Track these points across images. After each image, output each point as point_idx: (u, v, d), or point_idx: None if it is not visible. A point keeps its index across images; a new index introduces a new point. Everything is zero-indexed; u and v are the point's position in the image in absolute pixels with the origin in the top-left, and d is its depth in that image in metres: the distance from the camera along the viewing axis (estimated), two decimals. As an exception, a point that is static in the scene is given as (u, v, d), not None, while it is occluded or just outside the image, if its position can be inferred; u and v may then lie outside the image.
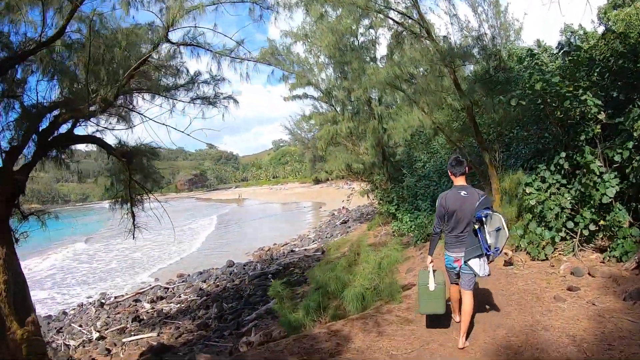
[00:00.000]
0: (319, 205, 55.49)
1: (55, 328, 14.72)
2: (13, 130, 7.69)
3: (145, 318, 14.81)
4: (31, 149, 7.76)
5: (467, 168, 5.24)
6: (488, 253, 4.84)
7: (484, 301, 6.25)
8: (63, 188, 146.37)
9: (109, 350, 11.84)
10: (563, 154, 7.49)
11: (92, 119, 8.73)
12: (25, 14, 7.10)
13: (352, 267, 8.53)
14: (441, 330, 5.74)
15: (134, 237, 10.19)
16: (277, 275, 17.44)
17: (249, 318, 12.46)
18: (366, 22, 16.10)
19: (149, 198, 10.23)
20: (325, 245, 21.79)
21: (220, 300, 15.45)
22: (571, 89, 7.17)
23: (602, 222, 7.01)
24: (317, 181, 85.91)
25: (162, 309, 15.53)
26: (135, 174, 9.64)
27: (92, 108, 7.49)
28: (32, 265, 29.78)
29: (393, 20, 9.80)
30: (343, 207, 37.75)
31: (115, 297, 18.42)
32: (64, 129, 8.14)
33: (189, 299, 16.54)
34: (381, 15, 10.05)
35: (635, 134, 6.55)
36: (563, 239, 7.54)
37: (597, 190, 6.79)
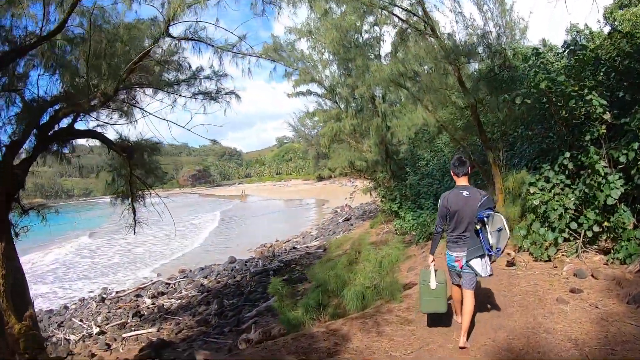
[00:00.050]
0: (322, 202, 55.45)
1: (56, 322, 14.73)
2: (14, 124, 7.68)
3: (145, 313, 14.82)
4: (32, 144, 7.73)
5: (469, 168, 5.22)
6: (490, 253, 4.84)
7: (485, 302, 6.20)
8: (67, 183, 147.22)
9: (108, 345, 11.84)
10: (567, 154, 7.41)
11: (93, 114, 8.71)
12: (27, 7, 7.06)
13: (353, 265, 8.46)
14: (441, 331, 5.67)
15: (134, 232, 10.17)
16: (278, 272, 17.45)
17: (249, 315, 12.43)
18: (371, 19, 16.02)
19: (150, 193, 10.20)
20: (327, 242, 21.76)
21: (221, 296, 15.44)
22: (576, 88, 7.08)
23: (606, 224, 6.92)
24: (321, 178, 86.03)
25: (162, 305, 15.52)
26: (136, 169, 9.61)
27: (93, 102, 7.44)
28: (35, 260, 29.91)
29: (398, 17, 9.71)
30: (346, 205, 37.72)
31: (117, 292, 18.44)
32: (64, 123, 8.12)
33: (189, 295, 16.53)
34: (386, 12, 9.98)
35: (641, 135, 6.48)
36: (566, 240, 7.46)
37: (602, 191, 6.69)
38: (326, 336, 5.84)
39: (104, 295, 17.90)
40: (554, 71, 8.13)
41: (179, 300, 16.06)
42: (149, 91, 9.03)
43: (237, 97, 9.32)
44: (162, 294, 17.35)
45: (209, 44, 7.53)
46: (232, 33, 7.51)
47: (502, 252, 4.98)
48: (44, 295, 20.23)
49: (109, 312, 15.36)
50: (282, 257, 21.01)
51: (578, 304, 5.66)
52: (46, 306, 17.83)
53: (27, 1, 6.97)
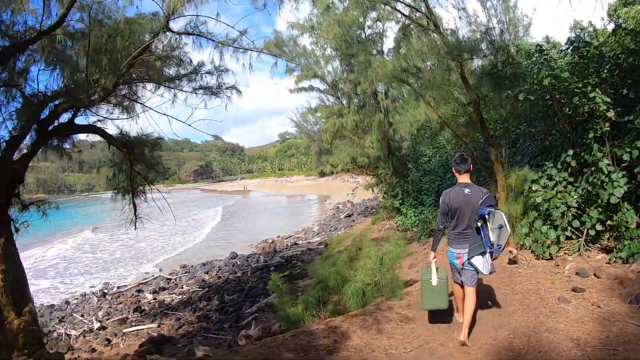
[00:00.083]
0: (324, 198, 55.45)
1: (58, 317, 14.76)
2: (15, 119, 7.65)
3: (146, 309, 14.83)
4: (33, 139, 7.70)
5: (471, 165, 5.20)
6: (491, 250, 4.85)
7: (486, 300, 6.17)
8: (69, 178, 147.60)
9: (109, 341, 11.85)
10: (570, 152, 7.35)
11: (94, 109, 8.68)
12: (27, 2, 7.02)
13: (354, 261, 8.44)
14: (442, 329, 5.65)
15: (135, 227, 10.16)
16: (279, 268, 17.43)
17: (249, 311, 12.42)
18: (373, 14, 15.96)
19: (151, 189, 10.17)
20: (328, 238, 21.74)
21: (221, 292, 15.45)
22: (580, 85, 7.01)
23: (609, 222, 6.86)
24: (323, 174, 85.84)
25: (163, 300, 15.55)
26: (137, 165, 9.57)
27: (93, 97, 7.40)
28: (37, 255, 30.00)
29: (401, 12, 9.65)
30: (348, 201, 37.69)
31: (118, 287, 18.48)
32: (65, 118, 8.08)
33: (190, 290, 16.55)
34: (389, 8, 9.91)
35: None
36: (569, 238, 7.41)
37: (605, 189, 6.63)
38: (326, 333, 5.81)
39: (106, 291, 17.94)
40: (558, 68, 8.06)
41: (180, 296, 16.08)
42: (149, 86, 8.98)
43: (238, 91, 9.27)
44: (164, 289, 17.38)
45: (210, 39, 7.47)
46: (232, 27, 7.44)
47: (502, 250, 5.01)
48: (45, 290, 20.30)
49: (110, 307, 15.39)
50: (283, 252, 21.00)
51: (580, 303, 5.62)
52: (47, 301, 17.87)
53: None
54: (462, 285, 5.42)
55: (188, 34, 7.33)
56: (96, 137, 9.32)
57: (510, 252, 7.68)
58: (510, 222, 8.24)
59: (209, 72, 9.20)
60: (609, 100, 6.86)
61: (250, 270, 18.06)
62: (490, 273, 5.01)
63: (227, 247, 25.56)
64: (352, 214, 31.50)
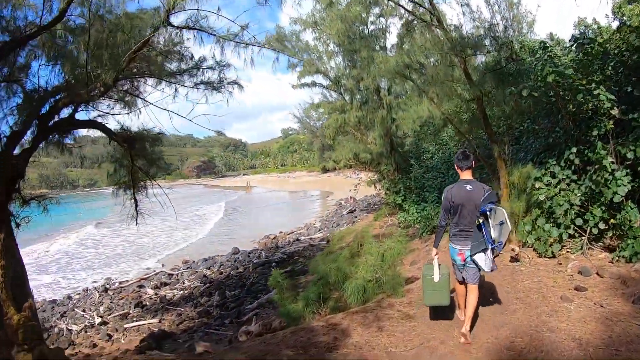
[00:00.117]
0: (327, 194, 55.46)
1: (59, 312, 14.80)
2: (16, 115, 7.64)
3: (148, 304, 14.85)
4: (34, 134, 7.68)
5: (473, 162, 5.19)
6: (492, 247, 4.84)
7: (488, 298, 6.14)
8: (72, 173, 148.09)
9: (110, 336, 11.88)
10: (574, 149, 7.28)
11: (95, 104, 8.65)
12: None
13: (355, 258, 8.41)
14: (443, 327, 5.61)
15: (137, 223, 10.13)
16: (281, 264, 17.44)
17: (250, 307, 12.43)
18: (376, 10, 15.92)
19: (152, 184, 10.14)
20: (330, 234, 21.72)
21: (223, 287, 15.46)
22: (584, 82, 6.93)
23: (612, 221, 6.80)
24: (325, 170, 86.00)
25: (165, 295, 15.55)
26: (138, 160, 9.54)
27: (94, 92, 7.36)
28: (39, 250, 30.09)
29: (404, 8, 9.57)
30: (350, 197, 37.65)
31: (120, 283, 18.50)
32: (65, 113, 8.06)
33: (192, 286, 16.56)
34: (392, 3, 9.84)
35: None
36: (571, 236, 7.35)
37: (609, 187, 6.57)
38: (326, 330, 5.78)
39: (107, 286, 17.95)
40: (562, 65, 7.98)
41: (182, 291, 16.10)
42: (150, 81, 8.93)
43: (240, 86, 9.20)
44: (165, 284, 17.40)
45: (211, 33, 7.39)
46: (233, 22, 7.37)
47: (503, 246, 5.02)
48: (47, 285, 20.35)
49: (111, 302, 15.42)
50: (285, 248, 21.00)
51: (582, 303, 5.56)
52: (50, 296, 17.92)
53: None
54: (462, 283, 5.43)
55: (189, 28, 7.27)
56: (98, 133, 9.29)
57: (513, 250, 7.64)
58: (513, 220, 8.21)
59: (210, 68, 9.14)
60: (613, 97, 6.79)
61: (251, 266, 18.08)
62: (491, 270, 4.99)
63: (229, 242, 25.58)
64: (355, 210, 31.47)
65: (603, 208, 6.84)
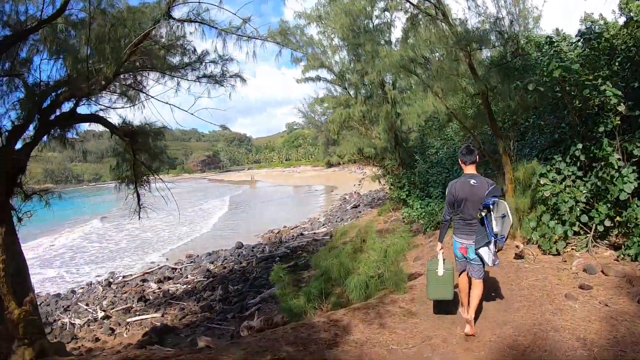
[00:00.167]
0: (331, 188, 55.45)
1: (63, 306, 14.83)
2: (19, 109, 7.61)
3: (151, 298, 14.87)
4: (36, 128, 7.65)
5: (477, 157, 5.18)
6: (495, 240, 4.86)
7: (492, 295, 6.11)
8: (77, 168, 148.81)
9: (112, 330, 11.90)
10: (580, 145, 7.19)
11: (96, 98, 8.62)
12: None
13: (358, 253, 8.34)
14: (445, 325, 5.56)
15: (139, 217, 10.10)
16: (284, 259, 17.41)
17: (253, 301, 12.41)
18: (381, 4, 15.79)
19: (155, 179, 10.11)
20: (334, 229, 21.68)
21: (226, 282, 15.45)
22: (591, 77, 6.83)
23: (618, 219, 6.71)
24: (330, 165, 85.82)
25: (168, 290, 15.56)
26: (140, 154, 9.50)
27: (94, 86, 7.32)
28: (45, 244, 30.22)
29: (409, 2, 9.49)
30: (355, 192, 37.59)
31: (124, 277, 18.53)
32: (67, 107, 8.02)
33: (195, 280, 16.56)
34: (397, -3, 9.76)
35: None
36: (576, 233, 7.27)
37: (615, 185, 6.48)
38: (327, 327, 5.74)
39: (111, 280, 18.00)
40: (568, 60, 7.88)
41: (185, 286, 16.10)
42: (152, 75, 8.88)
43: (243, 80, 9.11)
44: (168, 278, 17.42)
45: (212, 26, 7.32)
46: (235, 14, 7.29)
47: (505, 239, 5.02)
48: (52, 279, 20.44)
49: (114, 296, 15.45)
50: (289, 243, 20.97)
51: (587, 301, 5.49)
52: (54, 290, 17.99)
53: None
54: (461, 273, 5.47)
55: (190, 21, 7.20)
56: (101, 127, 9.25)
57: (517, 246, 7.58)
58: (518, 216, 8.14)
59: (213, 61, 9.07)
60: (619, 93, 6.68)
61: (255, 260, 18.06)
62: (494, 264, 4.99)
63: (233, 237, 25.57)
64: (359, 205, 31.40)
65: (609, 205, 6.75)
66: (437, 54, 10.46)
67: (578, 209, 7.06)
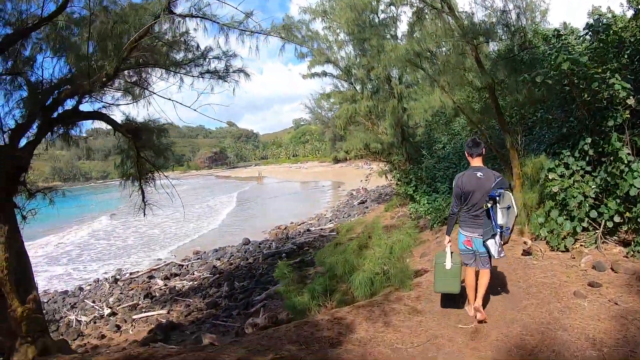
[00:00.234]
0: (338, 184, 55.35)
1: (70, 304, 14.91)
2: (22, 108, 7.61)
3: (157, 295, 14.90)
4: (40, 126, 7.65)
5: (483, 149, 5.20)
6: (501, 231, 4.89)
7: (500, 292, 6.02)
8: (84, 166, 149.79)
9: (118, 327, 11.94)
10: (588, 140, 7.04)
11: (100, 95, 8.60)
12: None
13: (363, 250, 8.27)
14: (451, 324, 5.45)
15: (144, 214, 10.10)
16: (291, 255, 17.39)
17: (258, 298, 12.39)
18: (387, -2, 15.63)
19: (160, 176, 10.09)
20: (340, 225, 21.62)
21: (232, 278, 15.45)
22: (599, 70, 6.68)
23: (627, 214, 6.55)
24: (337, 160, 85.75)
25: (174, 286, 15.59)
26: (145, 151, 9.47)
27: (96, 83, 7.28)
28: (53, 241, 30.42)
29: (414, -5, 9.38)
30: (362, 187, 37.50)
31: (131, 274, 18.60)
32: (69, 105, 8.01)
33: (201, 277, 16.59)
34: (403, -9, 9.65)
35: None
36: (585, 229, 7.12)
37: (624, 180, 6.33)
38: (330, 325, 5.65)
39: (118, 277, 18.07)
40: (577, 52, 7.72)
41: (191, 282, 16.13)
42: (155, 71, 8.85)
43: (246, 75, 9.05)
44: (175, 275, 17.46)
45: (214, 21, 7.25)
46: (236, 8, 7.20)
47: (511, 231, 5.09)
48: (59, 277, 20.57)
49: (121, 293, 15.52)
50: (295, 239, 20.94)
51: (596, 299, 5.36)
52: (61, 287, 18.10)
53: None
54: (467, 265, 5.50)
55: (191, 16, 7.14)
56: (106, 125, 9.23)
57: (525, 243, 7.46)
58: (526, 212, 8.02)
59: (217, 57, 9.02)
60: (629, 86, 6.52)
61: (261, 256, 18.06)
62: (499, 256, 4.99)
63: (240, 233, 25.62)
64: (366, 200, 31.32)
65: (618, 201, 6.60)
66: (444, 48, 10.34)
67: (587, 204, 6.92)
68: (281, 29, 8.29)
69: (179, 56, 8.90)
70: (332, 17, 18.01)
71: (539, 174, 7.96)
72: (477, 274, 5.43)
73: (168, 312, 12.73)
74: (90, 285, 17.72)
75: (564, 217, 7.21)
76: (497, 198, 4.82)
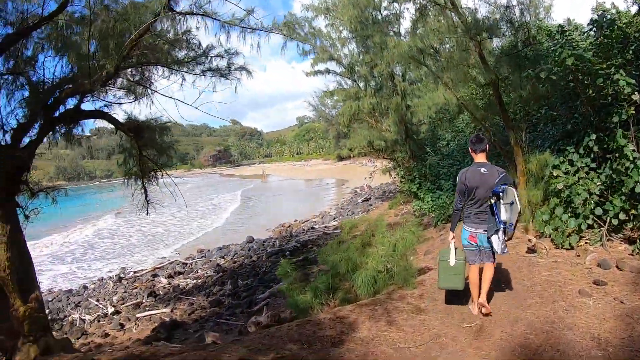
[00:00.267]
0: (342, 182, 55.23)
1: (74, 302, 14.94)
2: (24, 107, 7.60)
3: (161, 293, 14.93)
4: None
5: (487, 145, 5.22)
6: (504, 227, 4.89)
7: (504, 290, 5.99)
8: (89, 165, 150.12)
9: (122, 325, 11.95)
10: (593, 136, 6.97)
11: (101, 94, 8.59)
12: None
13: (366, 248, 8.22)
14: (454, 323, 5.41)
15: (147, 212, 10.10)
16: (294, 253, 17.36)
17: (262, 296, 12.37)
18: (390, -5, 15.55)
19: (162, 174, 10.08)
20: (343, 223, 21.59)
21: (235, 276, 15.45)
22: (604, 66, 6.60)
23: (632, 212, 6.48)
24: (341, 158, 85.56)
25: (178, 285, 15.62)
26: (147, 150, 9.46)
27: (96, 82, 7.26)
28: (58, 240, 30.50)
29: (417, -9, 9.32)
30: (366, 185, 37.42)
31: (135, 272, 18.63)
32: (71, 104, 7.99)
33: (205, 275, 16.59)
34: (405, -13, 9.59)
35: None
36: (590, 227, 7.06)
37: (630, 177, 6.26)
38: (332, 324, 5.62)
39: (122, 275, 18.11)
40: (581, 48, 7.65)
41: (195, 280, 16.14)
42: (157, 70, 8.83)
43: (248, 72, 9.00)
44: (179, 273, 17.48)
45: (215, 19, 7.21)
46: (237, 5, 7.15)
47: (515, 227, 5.09)
48: (64, 275, 20.64)
49: (125, 291, 15.54)
50: (299, 237, 20.91)
51: (602, 298, 5.30)
52: (66, 286, 18.15)
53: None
54: (472, 266, 5.49)
55: (192, 13, 7.09)
56: (107, 123, 9.22)
57: (529, 240, 7.40)
58: (530, 209, 7.95)
59: (219, 55, 8.98)
60: (633, 82, 6.45)
61: (265, 254, 18.04)
62: (502, 252, 5.01)
63: (244, 231, 25.61)
64: (370, 198, 31.24)
65: (623, 198, 6.53)
66: (447, 45, 10.28)
67: (592, 201, 6.86)
68: (283, 27, 8.25)
69: (181, 54, 8.87)
70: (335, 14, 17.94)
71: (544, 170, 7.90)
72: (481, 271, 5.42)
73: (172, 311, 12.74)
74: (94, 283, 17.78)
75: (569, 214, 7.14)
76: (501, 194, 4.83)
